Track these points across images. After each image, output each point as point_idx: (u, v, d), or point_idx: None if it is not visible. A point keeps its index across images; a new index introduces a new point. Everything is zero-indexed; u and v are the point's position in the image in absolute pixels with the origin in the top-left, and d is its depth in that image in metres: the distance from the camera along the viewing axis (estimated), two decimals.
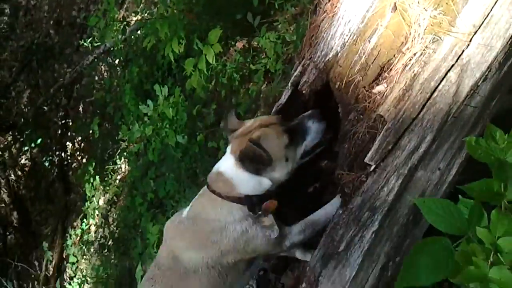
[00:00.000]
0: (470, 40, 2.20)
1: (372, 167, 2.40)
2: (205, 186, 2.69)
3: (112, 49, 7.35)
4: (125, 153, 6.70)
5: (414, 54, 2.29)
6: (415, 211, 2.52)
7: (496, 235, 1.45)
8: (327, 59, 2.56)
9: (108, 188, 7.33)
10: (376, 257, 2.55)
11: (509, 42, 2.22)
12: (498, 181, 1.49)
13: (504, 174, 1.48)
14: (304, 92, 2.70)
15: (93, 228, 7.61)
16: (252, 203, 2.57)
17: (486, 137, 1.57)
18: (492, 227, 1.46)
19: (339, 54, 2.52)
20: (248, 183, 2.56)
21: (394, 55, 2.37)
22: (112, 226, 7.00)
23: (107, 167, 7.32)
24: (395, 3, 2.32)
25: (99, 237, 7.25)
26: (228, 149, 2.68)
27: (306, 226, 2.71)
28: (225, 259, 2.64)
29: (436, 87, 2.25)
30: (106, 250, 6.90)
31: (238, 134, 2.67)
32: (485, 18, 2.18)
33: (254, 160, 2.49)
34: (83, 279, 6.73)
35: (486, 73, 2.26)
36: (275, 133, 2.56)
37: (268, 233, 2.61)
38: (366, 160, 2.38)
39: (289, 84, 2.84)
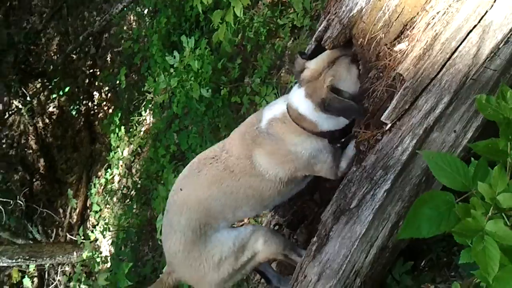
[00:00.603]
0: (494, 1, 2.17)
1: (388, 126, 2.41)
2: (286, 112, 2.80)
3: None
4: (150, 105, 6.75)
5: (437, 13, 2.26)
6: (428, 173, 2.52)
7: (497, 190, 1.47)
8: (351, 14, 2.54)
9: (132, 139, 7.40)
10: (387, 215, 2.58)
11: None
12: (504, 139, 1.49)
13: (510, 133, 1.48)
14: (327, 47, 2.69)
15: (116, 178, 7.72)
16: (334, 136, 2.76)
17: (497, 96, 1.57)
18: (493, 183, 1.47)
19: (364, 10, 2.49)
20: (330, 122, 2.70)
21: (418, 13, 2.35)
22: (135, 176, 7.11)
23: (132, 118, 7.38)
24: None
25: (122, 187, 7.38)
26: (301, 91, 2.76)
27: (349, 159, 2.82)
28: (296, 174, 2.86)
29: (457, 48, 2.23)
30: (128, 200, 7.02)
31: (309, 77, 2.74)
32: None
33: (339, 108, 2.59)
34: (106, 226, 6.87)
35: (508, 36, 2.23)
36: (345, 68, 2.66)
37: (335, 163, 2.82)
38: (383, 118, 2.38)
39: (313, 39, 2.83)
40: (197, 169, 2.98)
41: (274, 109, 2.88)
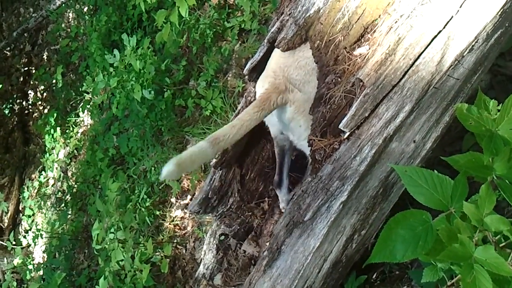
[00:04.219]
0: (460, 6, 2.07)
1: (346, 134, 2.29)
2: None
3: None
4: (88, 106, 6.46)
5: (401, 16, 2.15)
6: (386, 184, 2.43)
7: (484, 212, 1.33)
8: (308, 15, 2.39)
9: (69, 141, 7.08)
10: (342, 228, 2.47)
11: (499, 13, 2.11)
12: (488, 153, 1.36)
13: (494, 146, 1.35)
14: (281, 49, 2.54)
15: (51, 181, 7.40)
16: None
17: (477, 106, 1.44)
18: (480, 203, 1.33)
19: (321, 11, 2.36)
20: None
21: (380, 16, 2.24)
22: (70, 180, 6.80)
23: (69, 119, 7.07)
24: None
25: (56, 191, 7.06)
26: None
27: None
28: None
29: (421, 54, 2.13)
30: (63, 205, 6.72)
31: None
32: None
33: None
34: (37, 233, 6.55)
35: (473, 44, 2.15)
36: None
37: None
38: (341, 126, 2.26)
39: (265, 41, 2.68)
40: None
41: None
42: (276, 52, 2.72)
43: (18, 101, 8.85)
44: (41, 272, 6.20)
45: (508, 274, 1.25)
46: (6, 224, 8.35)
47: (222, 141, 2.63)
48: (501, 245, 1.42)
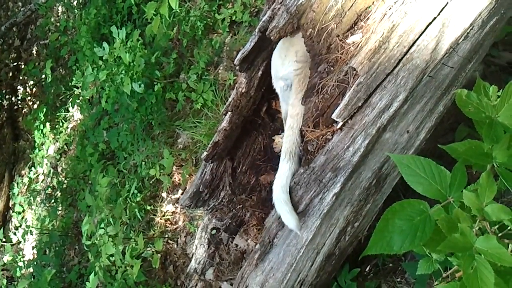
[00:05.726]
0: None
1: (339, 125, 2.24)
2: None
3: None
4: (78, 100, 6.38)
5: (395, 3, 2.11)
6: (379, 175, 2.39)
7: (484, 201, 1.28)
8: (299, 2, 2.34)
9: (58, 136, 7.01)
10: (335, 220, 2.43)
11: None
12: (488, 141, 1.31)
13: (494, 133, 1.30)
14: (272, 38, 2.48)
15: (41, 177, 7.33)
16: None
17: (476, 92, 1.38)
18: (480, 192, 1.28)
19: None
20: None
21: (373, 2, 2.19)
22: (60, 176, 6.73)
23: (58, 114, 6.99)
24: None
25: (46, 187, 6.98)
26: None
27: None
28: None
29: (415, 41, 2.08)
30: (53, 201, 6.65)
31: None
32: None
33: None
34: (27, 229, 6.49)
35: (468, 31, 2.10)
36: None
37: None
38: (333, 116, 2.21)
39: (257, 30, 2.61)
40: None
41: None
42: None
43: (7, 96, 8.76)
44: (31, 269, 6.13)
45: (511, 265, 1.20)
46: None
47: (296, 147, 2.57)
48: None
